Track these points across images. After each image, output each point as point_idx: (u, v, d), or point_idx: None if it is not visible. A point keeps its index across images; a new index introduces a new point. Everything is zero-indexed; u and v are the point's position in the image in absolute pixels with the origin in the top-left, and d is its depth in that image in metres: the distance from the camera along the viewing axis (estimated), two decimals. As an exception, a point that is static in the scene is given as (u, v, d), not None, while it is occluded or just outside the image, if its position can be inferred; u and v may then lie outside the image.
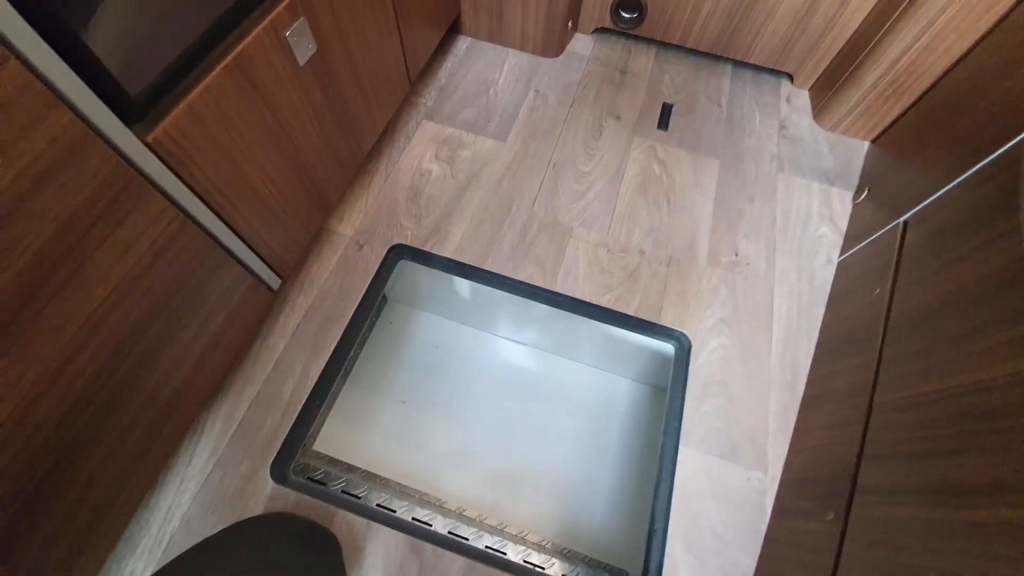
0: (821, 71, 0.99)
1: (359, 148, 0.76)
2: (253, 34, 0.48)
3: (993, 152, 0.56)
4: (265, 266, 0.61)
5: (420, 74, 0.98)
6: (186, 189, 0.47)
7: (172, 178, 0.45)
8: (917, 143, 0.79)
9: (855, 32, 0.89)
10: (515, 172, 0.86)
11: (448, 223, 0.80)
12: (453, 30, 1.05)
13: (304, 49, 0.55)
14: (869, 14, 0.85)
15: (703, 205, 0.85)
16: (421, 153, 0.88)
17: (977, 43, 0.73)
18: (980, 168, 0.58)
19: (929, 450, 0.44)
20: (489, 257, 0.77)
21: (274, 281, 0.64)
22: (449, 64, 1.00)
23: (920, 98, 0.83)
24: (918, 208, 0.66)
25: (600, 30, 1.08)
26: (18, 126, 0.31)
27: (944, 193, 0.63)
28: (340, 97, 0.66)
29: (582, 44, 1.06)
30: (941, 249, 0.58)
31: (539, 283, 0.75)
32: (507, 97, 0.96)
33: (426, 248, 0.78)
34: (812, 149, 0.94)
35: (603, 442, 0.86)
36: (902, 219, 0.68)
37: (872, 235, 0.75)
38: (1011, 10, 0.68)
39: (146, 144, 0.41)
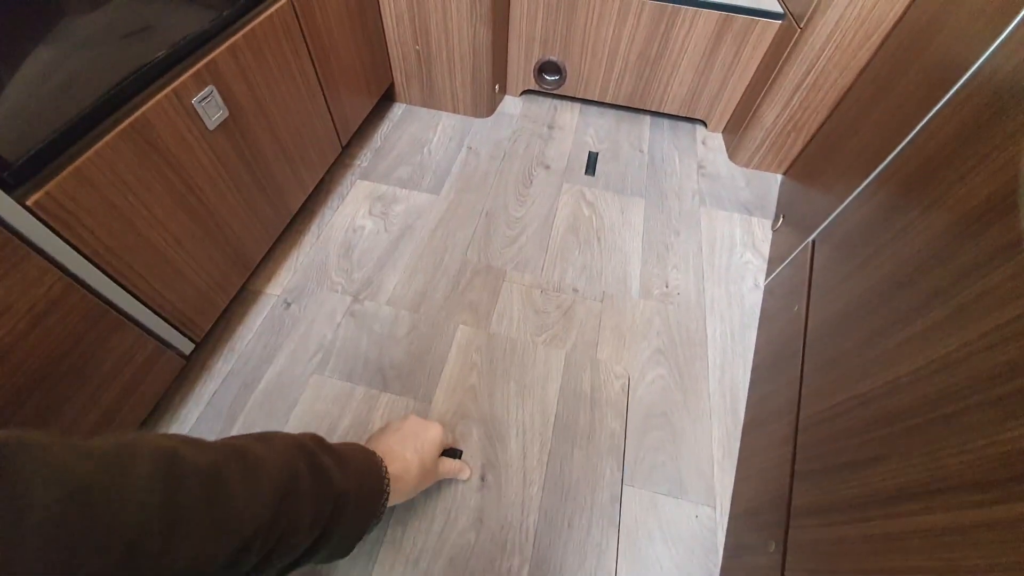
0: (729, 115, 1.08)
1: (284, 208, 0.76)
2: (153, 101, 0.50)
3: (877, 166, 0.61)
4: (173, 329, 0.58)
5: (355, 137, 1.02)
6: (72, 251, 0.45)
7: (56, 240, 0.44)
8: (819, 169, 0.85)
9: (751, 79, 0.99)
10: (448, 222, 0.88)
11: (381, 275, 0.80)
12: (388, 98, 1.11)
13: (213, 115, 0.57)
14: (761, 62, 0.95)
15: (632, 241, 0.88)
16: (355, 211, 0.89)
17: (859, 75, 0.81)
18: (869, 182, 0.62)
19: (849, 462, 0.43)
20: (422, 305, 0.76)
21: (186, 346, 0.61)
22: (385, 128, 1.05)
23: (819, 129, 0.91)
24: (823, 226, 0.70)
25: (528, 92, 1.16)
26: None
27: (843, 209, 0.67)
28: (260, 159, 0.67)
29: (512, 104, 1.14)
30: (844, 260, 0.61)
31: (472, 326, 0.74)
32: (441, 154, 1.01)
33: (360, 300, 0.76)
34: (730, 184, 1.00)
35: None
36: (810, 239, 0.72)
37: (789, 256, 0.78)
38: (883, 43, 0.76)
39: (26, 207, 0.41)
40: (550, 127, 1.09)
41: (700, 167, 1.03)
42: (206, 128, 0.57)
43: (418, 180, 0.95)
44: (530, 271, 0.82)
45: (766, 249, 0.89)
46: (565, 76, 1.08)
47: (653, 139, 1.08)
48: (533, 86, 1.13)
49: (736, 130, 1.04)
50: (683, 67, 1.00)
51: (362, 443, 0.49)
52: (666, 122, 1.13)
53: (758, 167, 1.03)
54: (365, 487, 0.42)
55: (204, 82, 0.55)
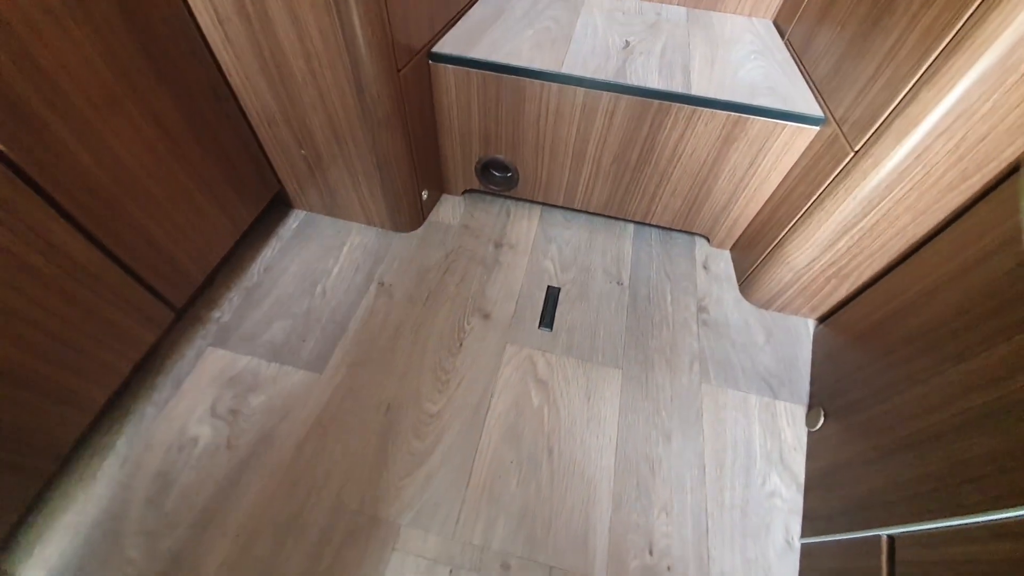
0: (741, 232, 0.79)
1: (40, 461, 0.48)
2: None
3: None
4: None
5: (219, 273, 0.73)
6: None
7: None
8: (883, 344, 0.57)
9: (773, 193, 0.70)
10: (327, 427, 0.60)
11: (201, 544, 0.51)
12: (283, 202, 0.83)
13: None
14: (788, 175, 0.67)
15: (601, 455, 0.59)
16: (191, 407, 0.60)
17: (946, 223, 0.53)
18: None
19: None
20: (256, 610, 0.48)
21: None
22: (268, 252, 0.77)
23: (874, 280, 0.62)
24: (911, 530, 0.42)
25: (472, 191, 0.89)
26: None
27: (957, 528, 0.38)
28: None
29: (449, 209, 0.86)
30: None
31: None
32: (339, 297, 0.72)
33: (156, 599, 0.48)
34: (743, 339, 0.72)
35: None
36: (883, 532, 0.44)
37: (842, 531, 0.49)
38: (994, 186, 0.48)
39: None
40: (497, 245, 0.81)
41: (701, 308, 0.75)
42: None
43: (296, 346, 0.67)
44: (438, 527, 0.53)
45: (799, 464, 0.60)
46: (518, 176, 0.80)
47: (637, 260, 0.80)
48: (477, 186, 0.85)
49: (750, 248, 0.76)
50: (676, 176, 0.72)
51: None
52: (654, 233, 0.85)
53: (781, 310, 0.75)
54: None
55: None
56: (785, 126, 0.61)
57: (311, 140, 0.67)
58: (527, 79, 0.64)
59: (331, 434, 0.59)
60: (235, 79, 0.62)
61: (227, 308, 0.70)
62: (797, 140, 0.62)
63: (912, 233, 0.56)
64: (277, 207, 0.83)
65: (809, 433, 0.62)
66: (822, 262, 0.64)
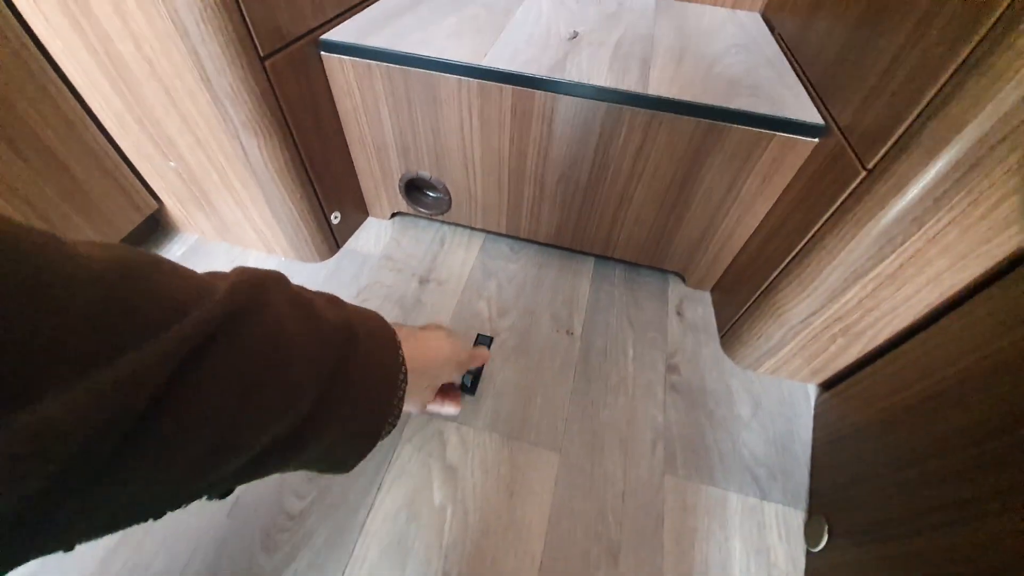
0: (723, 270, 0.64)
1: None
2: None
3: None
4: None
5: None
6: None
7: None
8: (919, 461, 0.40)
9: (764, 221, 0.55)
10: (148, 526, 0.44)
11: None
12: (168, 225, 0.69)
13: None
14: (780, 199, 0.52)
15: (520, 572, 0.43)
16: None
17: (1001, 271, 0.38)
18: None
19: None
20: None
21: None
22: (137, 286, 0.63)
23: (902, 340, 0.47)
24: None
25: (402, 214, 0.74)
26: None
27: None
28: None
29: (373, 235, 0.72)
30: None
31: None
32: (211, 344, 0.58)
33: None
34: (723, 411, 0.55)
35: None
36: None
37: None
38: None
39: None
40: (423, 281, 0.66)
41: (670, 368, 0.59)
42: None
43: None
44: None
45: (797, 601, 0.43)
46: (450, 196, 0.66)
47: (595, 303, 0.65)
48: (406, 208, 0.70)
49: (734, 291, 0.60)
50: (638, 199, 0.57)
51: None
52: (619, 270, 0.70)
53: (774, 372, 0.59)
54: (376, 345, 0.26)
55: None
56: (772, 136, 0.46)
57: (174, 148, 0.54)
58: (438, 73, 0.50)
59: (153, 536, 0.43)
60: (70, 69, 0.48)
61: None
62: (789, 155, 0.47)
63: (950, 283, 0.40)
64: (160, 230, 0.69)
65: (809, 554, 0.45)
66: (824, 317, 0.48)
